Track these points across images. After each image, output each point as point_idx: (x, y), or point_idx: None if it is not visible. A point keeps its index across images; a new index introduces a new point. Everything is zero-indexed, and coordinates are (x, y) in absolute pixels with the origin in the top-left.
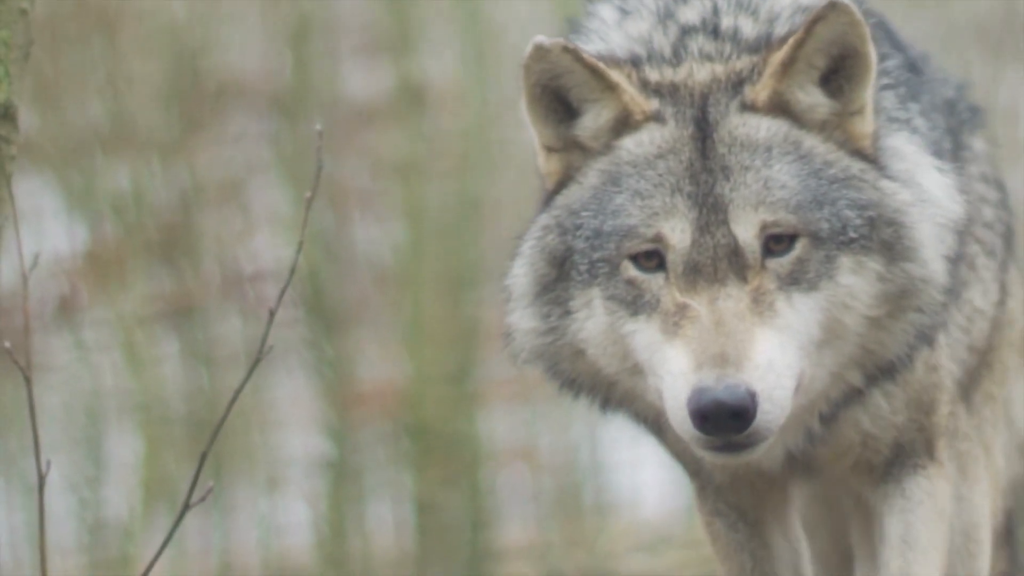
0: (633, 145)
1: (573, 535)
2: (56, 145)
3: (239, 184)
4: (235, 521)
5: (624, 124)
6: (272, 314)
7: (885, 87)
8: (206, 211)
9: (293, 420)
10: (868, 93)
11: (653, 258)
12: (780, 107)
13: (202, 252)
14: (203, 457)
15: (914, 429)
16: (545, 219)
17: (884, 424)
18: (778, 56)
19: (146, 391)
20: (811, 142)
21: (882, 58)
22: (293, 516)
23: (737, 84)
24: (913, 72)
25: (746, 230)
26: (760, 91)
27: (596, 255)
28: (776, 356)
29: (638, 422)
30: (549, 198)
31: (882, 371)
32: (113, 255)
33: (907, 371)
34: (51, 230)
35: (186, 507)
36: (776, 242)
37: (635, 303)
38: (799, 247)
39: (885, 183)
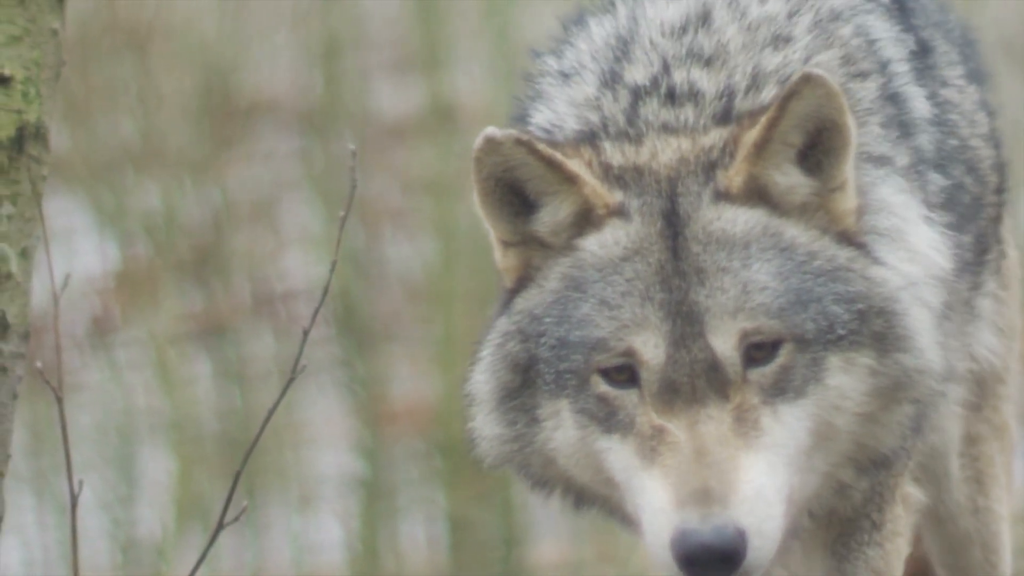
0: (596, 246)
1: (606, 551)
2: (87, 164)
3: (270, 202)
4: (268, 540)
5: (585, 220)
6: (306, 333)
7: (866, 113)
8: (237, 229)
9: (325, 438)
10: (848, 167)
11: (624, 372)
12: (756, 193)
13: (233, 270)
14: (237, 476)
15: (876, 483)
16: (505, 324)
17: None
18: (751, 136)
19: (179, 410)
20: (792, 231)
21: (862, 78)
22: (326, 534)
23: (707, 167)
24: (917, 58)
25: (725, 342)
26: (734, 177)
27: (563, 366)
28: (764, 483)
29: (617, 522)
30: (508, 299)
31: (875, 464)
32: (145, 274)
33: (901, 463)
34: (83, 249)
35: (220, 526)
36: (758, 350)
37: (608, 420)
38: (783, 354)
39: (874, 271)
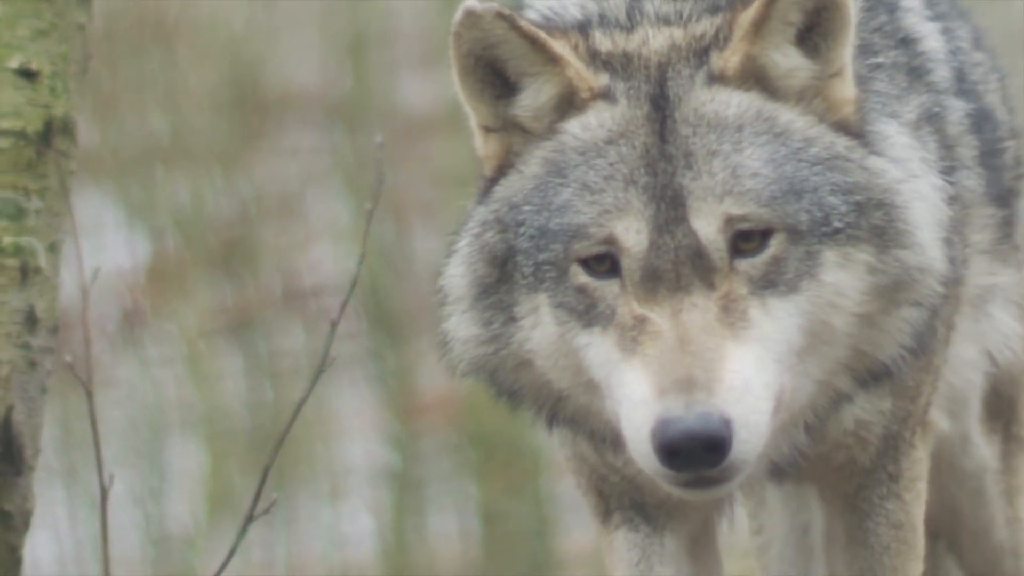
0: (579, 129)
1: None
2: (116, 158)
3: (298, 196)
4: (299, 532)
5: (568, 103)
6: (334, 325)
7: (876, 68)
8: (266, 223)
9: (356, 431)
10: (848, 51)
11: (605, 262)
12: (753, 75)
13: (263, 264)
14: (266, 469)
15: (899, 420)
16: (483, 213)
17: (871, 417)
18: (748, 15)
19: (209, 404)
20: (788, 116)
21: (875, 50)
22: (357, 526)
23: (700, 52)
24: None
25: (709, 224)
26: (730, 57)
27: (541, 256)
28: (752, 375)
29: (592, 440)
30: (487, 188)
31: (874, 374)
32: (174, 268)
33: (902, 374)
34: (112, 244)
35: (250, 519)
36: (746, 240)
37: (587, 313)
38: (774, 244)
39: (873, 160)
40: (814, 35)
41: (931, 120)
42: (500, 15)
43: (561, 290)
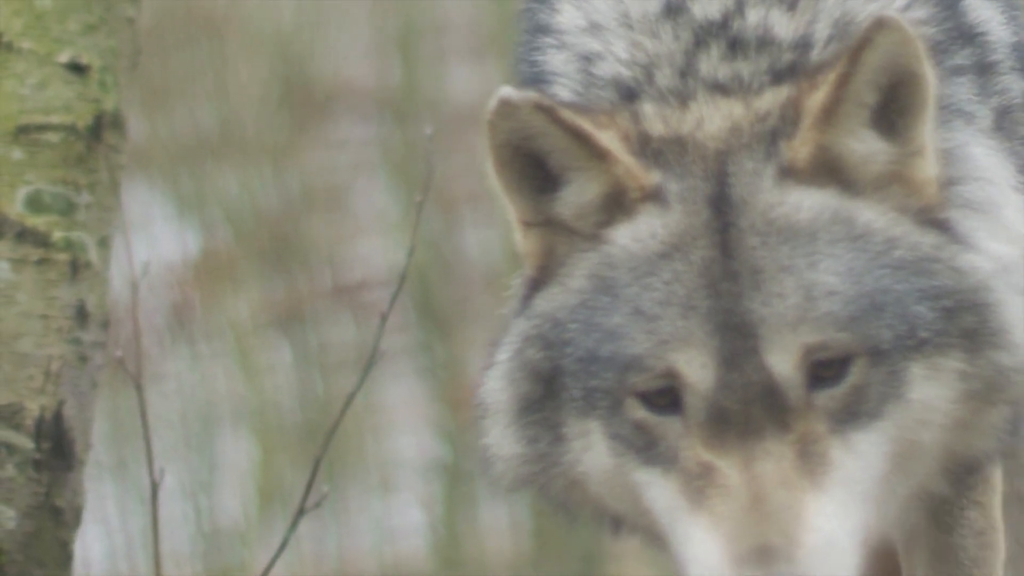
0: (629, 239)
1: None
2: (166, 152)
3: (347, 188)
4: (349, 525)
5: (617, 204)
6: (384, 318)
7: (954, 72)
8: (316, 216)
9: (406, 423)
10: (928, 127)
11: (666, 395)
12: (827, 168)
13: (312, 257)
14: (317, 462)
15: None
16: (524, 327)
17: None
18: (818, 99)
19: (259, 397)
20: (868, 215)
21: (949, 50)
22: (407, 519)
23: (766, 139)
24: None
25: (785, 361)
26: (800, 148)
27: (592, 383)
28: (835, 528)
29: (663, 553)
30: (528, 295)
31: (967, 469)
32: (224, 262)
33: (992, 464)
34: (162, 238)
35: (301, 512)
36: (824, 369)
37: (647, 450)
38: (855, 371)
39: (963, 259)
40: (890, 113)
41: (1005, 115)
42: (539, 106)
43: (616, 421)
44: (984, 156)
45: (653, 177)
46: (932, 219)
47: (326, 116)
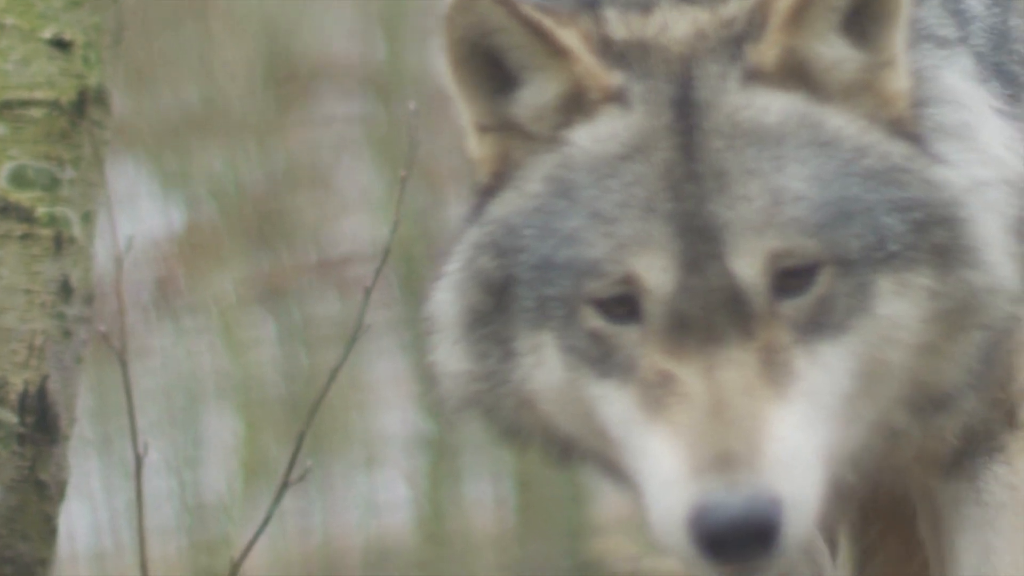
0: (589, 140)
1: None
2: (151, 129)
3: (332, 165)
4: (334, 500)
5: (576, 106)
6: (367, 292)
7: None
8: (300, 192)
9: (391, 398)
10: (901, 36)
11: (624, 303)
12: (795, 72)
13: (297, 233)
14: (300, 436)
15: (988, 407)
16: (476, 234)
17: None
18: (786, 1)
19: (244, 372)
20: (836, 121)
21: None
22: (392, 494)
23: (732, 43)
24: None
25: (749, 265)
26: (767, 51)
27: (547, 291)
28: (800, 440)
29: (612, 483)
30: (482, 202)
31: (936, 405)
32: (209, 238)
33: (966, 402)
34: (147, 214)
35: (284, 486)
36: (790, 277)
37: (602, 361)
38: (821, 280)
39: (935, 171)
40: (862, 20)
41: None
42: (498, 0)
43: (570, 332)
44: (956, 80)
45: (615, 77)
46: (903, 131)
47: (310, 93)
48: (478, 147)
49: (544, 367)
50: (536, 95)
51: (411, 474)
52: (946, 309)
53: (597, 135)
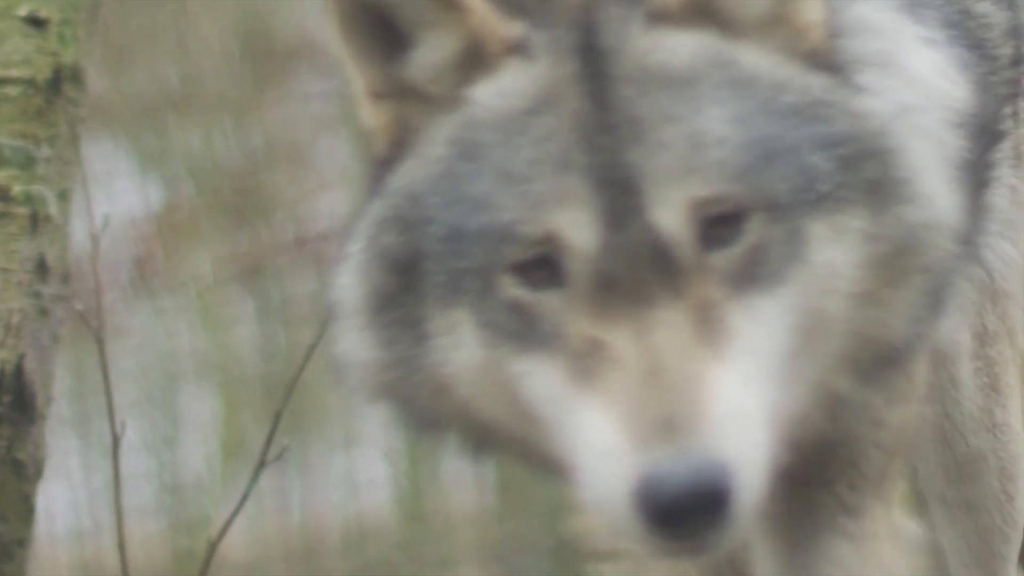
0: (491, 96)
1: None
2: (128, 107)
3: (309, 143)
4: (313, 479)
5: (475, 61)
6: None
7: None
8: (278, 170)
9: None
10: None
11: (544, 267)
12: (700, 9)
13: (275, 211)
14: (278, 415)
15: (872, 459)
16: (378, 209)
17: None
18: None
19: (222, 351)
20: (751, 57)
21: None
22: (371, 473)
23: None
24: None
25: (669, 215)
26: None
27: (458, 264)
28: (742, 399)
29: (535, 471)
30: (381, 174)
31: (883, 361)
32: (186, 216)
33: (915, 359)
34: (124, 193)
35: (261, 464)
36: (717, 226)
37: (525, 335)
38: (751, 228)
39: (858, 102)
40: None
41: None
42: None
43: (487, 306)
44: (872, 12)
45: (514, 28)
46: (822, 63)
47: (288, 71)
48: (373, 116)
49: (460, 348)
50: (431, 53)
51: (389, 452)
52: (884, 252)
53: (500, 90)
